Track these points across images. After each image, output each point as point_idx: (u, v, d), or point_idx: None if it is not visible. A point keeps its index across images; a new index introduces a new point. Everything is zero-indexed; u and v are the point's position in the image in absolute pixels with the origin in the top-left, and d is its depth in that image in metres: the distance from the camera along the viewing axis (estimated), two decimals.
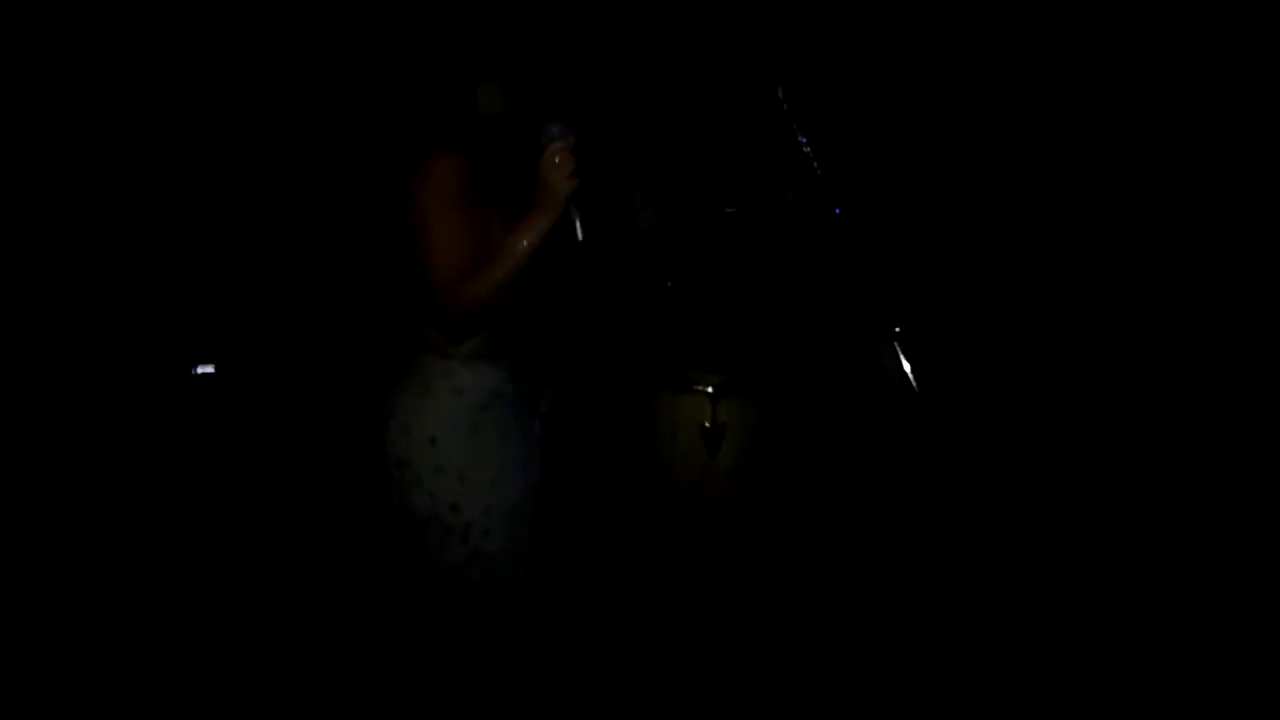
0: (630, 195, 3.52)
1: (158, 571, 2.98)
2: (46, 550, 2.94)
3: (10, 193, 3.06)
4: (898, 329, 2.61)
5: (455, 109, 2.10)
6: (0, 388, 3.04)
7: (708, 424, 2.98)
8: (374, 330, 2.99)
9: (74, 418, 3.12)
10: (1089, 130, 3.22)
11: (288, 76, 3.29)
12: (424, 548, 2.14)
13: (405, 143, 2.11)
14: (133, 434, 3.18)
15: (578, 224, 2.01)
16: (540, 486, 2.28)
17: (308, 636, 2.79)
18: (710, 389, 3.01)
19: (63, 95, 3.08)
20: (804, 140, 2.89)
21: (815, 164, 2.81)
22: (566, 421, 3.16)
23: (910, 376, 2.50)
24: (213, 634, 2.78)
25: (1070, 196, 3.23)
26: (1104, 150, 3.20)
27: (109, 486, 3.11)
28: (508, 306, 2.07)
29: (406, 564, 2.17)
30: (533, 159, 2.00)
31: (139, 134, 3.19)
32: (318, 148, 3.32)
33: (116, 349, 3.20)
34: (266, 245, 3.35)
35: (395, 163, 2.11)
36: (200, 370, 3.31)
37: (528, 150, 2.01)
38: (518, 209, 2.03)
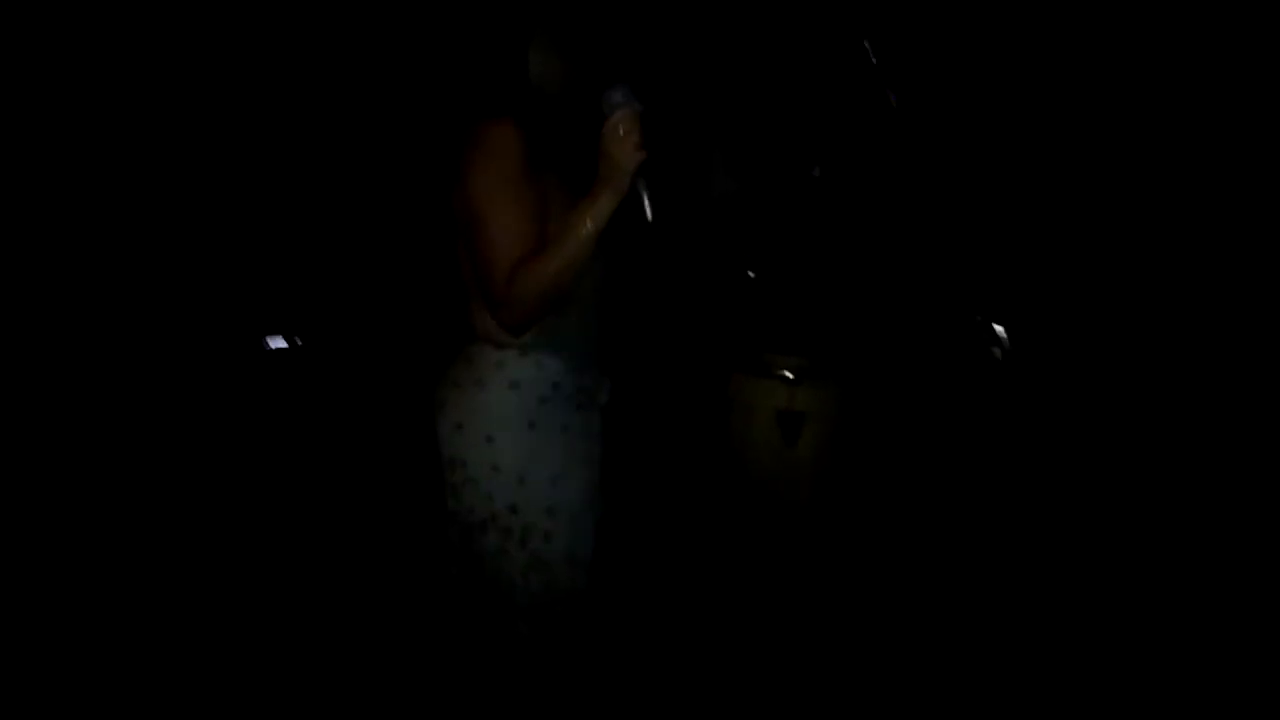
0: (709, 160, 3.30)
1: (184, 569, 2.88)
2: (66, 545, 2.88)
3: (17, 190, 2.97)
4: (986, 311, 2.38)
5: (506, 76, 1.89)
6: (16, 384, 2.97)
7: (785, 410, 2.77)
8: (423, 319, 2.82)
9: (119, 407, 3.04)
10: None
11: (330, 51, 3.11)
12: (480, 553, 1.98)
13: (455, 115, 1.92)
14: (167, 427, 3.10)
15: (646, 202, 1.79)
16: (601, 487, 2.10)
17: (348, 642, 2.67)
18: (789, 373, 2.79)
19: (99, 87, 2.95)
20: (894, 98, 2.65)
21: (905, 123, 2.57)
22: (634, 408, 2.99)
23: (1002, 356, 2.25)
24: (242, 636, 2.67)
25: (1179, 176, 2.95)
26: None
27: (138, 480, 3.03)
28: (570, 293, 1.88)
29: (461, 571, 2.02)
30: (595, 130, 1.79)
31: (159, 124, 3.06)
32: (359, 124, 3.15)
33: (155, 336, 3.11)
34: (311, 228, 3.21)
35: (444, 138, 1.91)
36: (273, 344, 3.20)
37: (590, 120, 1.80)
38: (581, 186, 1.83)
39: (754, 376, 2.83)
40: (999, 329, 2.30)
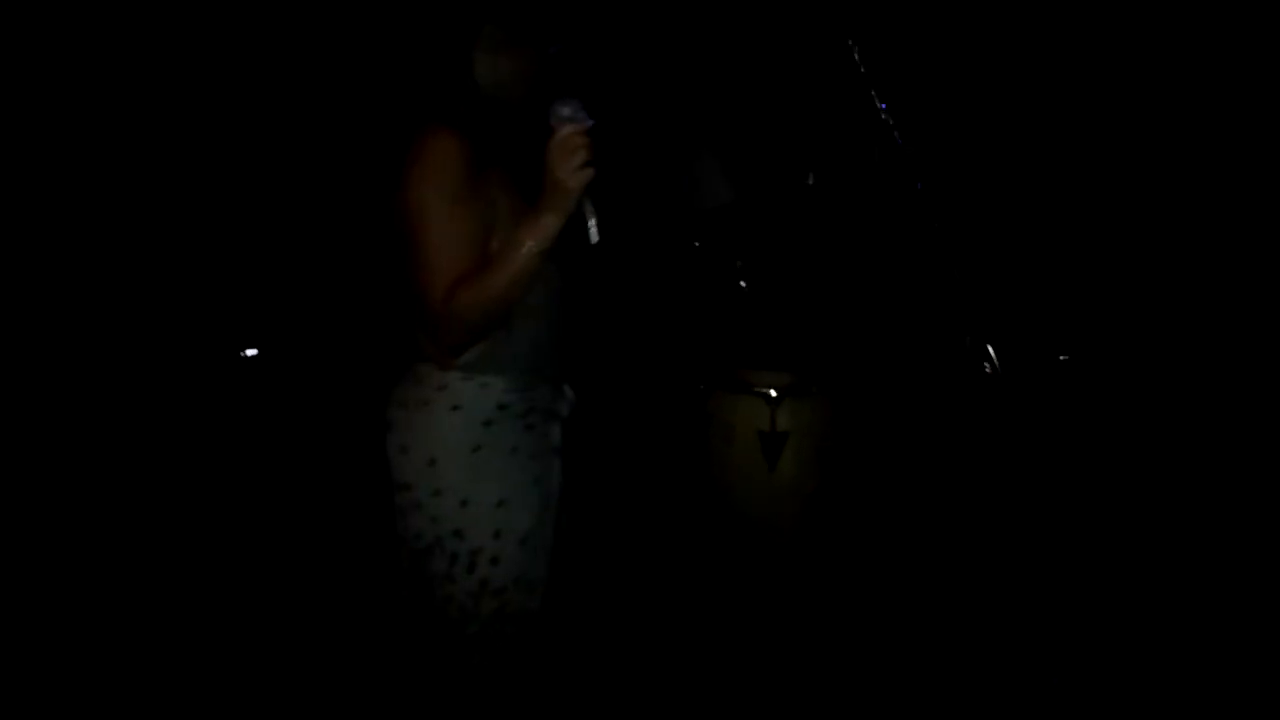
0: (697, 167, 3.18)
1: (154, 583, 2.77)
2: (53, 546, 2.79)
3: (9, 192, 2.88)
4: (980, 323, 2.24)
5: (449, 78, 1.78)
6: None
7: (767, 431, 2.63)
8: (377, 335, 2.70)
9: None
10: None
11: (271, 56, 3.01)
12: (429, 578, 1.89)
13: (396, 123, 1.81)
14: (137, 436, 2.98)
15: (592, 224, 1.69)
16: (562, 501, 1.99)
17: (302, 665, 2.54)
18: (771, 391, 2.66)
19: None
20: (884, 106, 2.53)
21: (896, 133, 2.45)
22: (608, 426, 2.87)
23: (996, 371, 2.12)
24: (208, 649, 2.55)
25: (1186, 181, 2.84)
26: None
27: (108, 490, 2.91)
28: (517, 312, 1.79)
29: (412, 595, 1.92)
30: (547, 135, 1.69)
31: (124, 127, 2.96)
32: (305, 132, 3.04)
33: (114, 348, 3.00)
34: (262, 240, 3.10)
35: (387, 146, 1.80)
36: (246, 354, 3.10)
37: (540, 131, 1.70)
38: (534, 193, 1.72)
39: (734, 394, 2.69)
40: (989, 348, 2.16)
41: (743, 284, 2.96)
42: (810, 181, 3.10)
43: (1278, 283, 2.82)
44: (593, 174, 1.67)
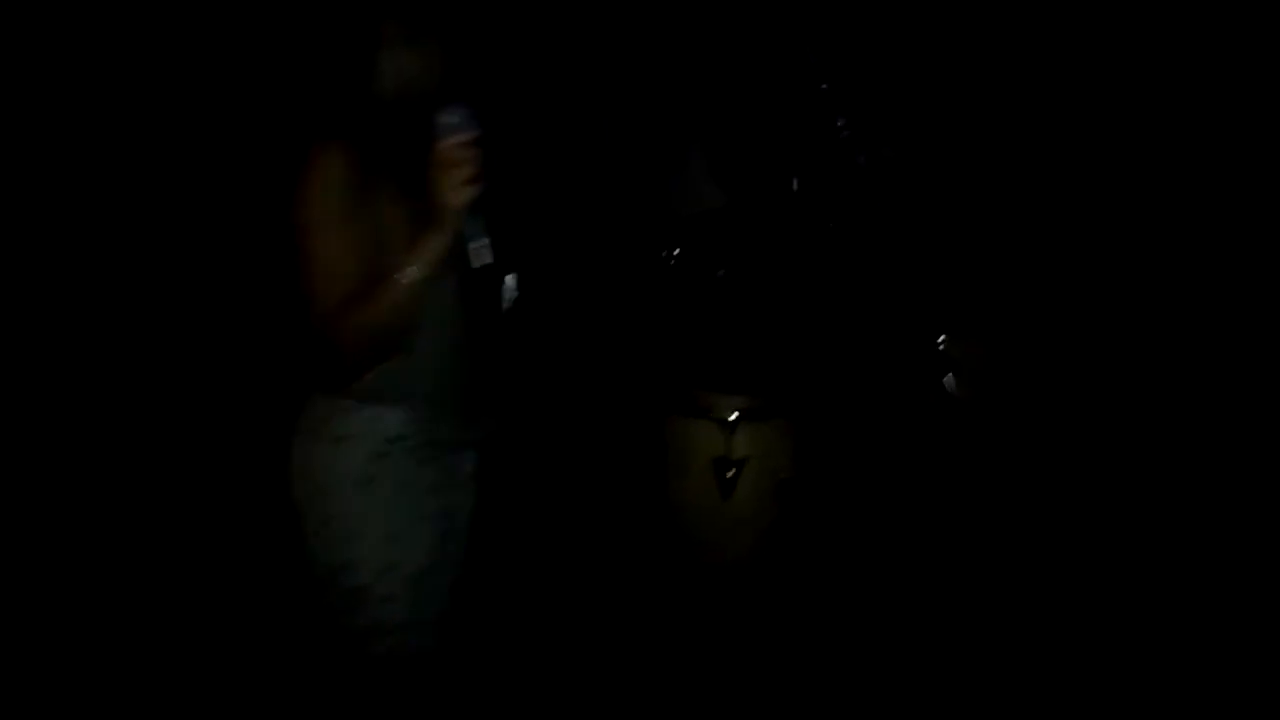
0: (686, 169, 3.05)
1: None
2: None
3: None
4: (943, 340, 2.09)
5: (345, 89, 1.65)
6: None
7: (721, 458, 2.46)
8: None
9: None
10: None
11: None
12: (327, 609, 1.79)
13: (296, 133, 1.69)
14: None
15: (477, 245, 1.55)
16: (468, 534, 1.89)
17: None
18: (728, 414, 2.49)
19: None
20: (841, 123, 2.41)
21: (855, 150, 2.33)
22: (558, 452, 2.74)
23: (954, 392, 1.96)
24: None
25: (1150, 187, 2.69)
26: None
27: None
28: (413, 340, 1.67)
29: (316, 626, 1.81)
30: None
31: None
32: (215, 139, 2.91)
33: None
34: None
35: (285, 159, 1.68)
36: None
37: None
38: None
39: (689, 418, 2.52)
40: (949, 379, 2.01)
41: (724, 295, 2.81)
42: (794, 188, 2.94)
43: (1252, 284, 2.67)
44: (478, 190, 1.54)
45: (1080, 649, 2.38)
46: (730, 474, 2.45)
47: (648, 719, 2.39)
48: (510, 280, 1.72)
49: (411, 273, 1.56)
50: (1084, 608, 2.44)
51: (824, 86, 2.41)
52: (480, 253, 1.55)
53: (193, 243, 3.00)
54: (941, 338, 2.44)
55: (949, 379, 2.00)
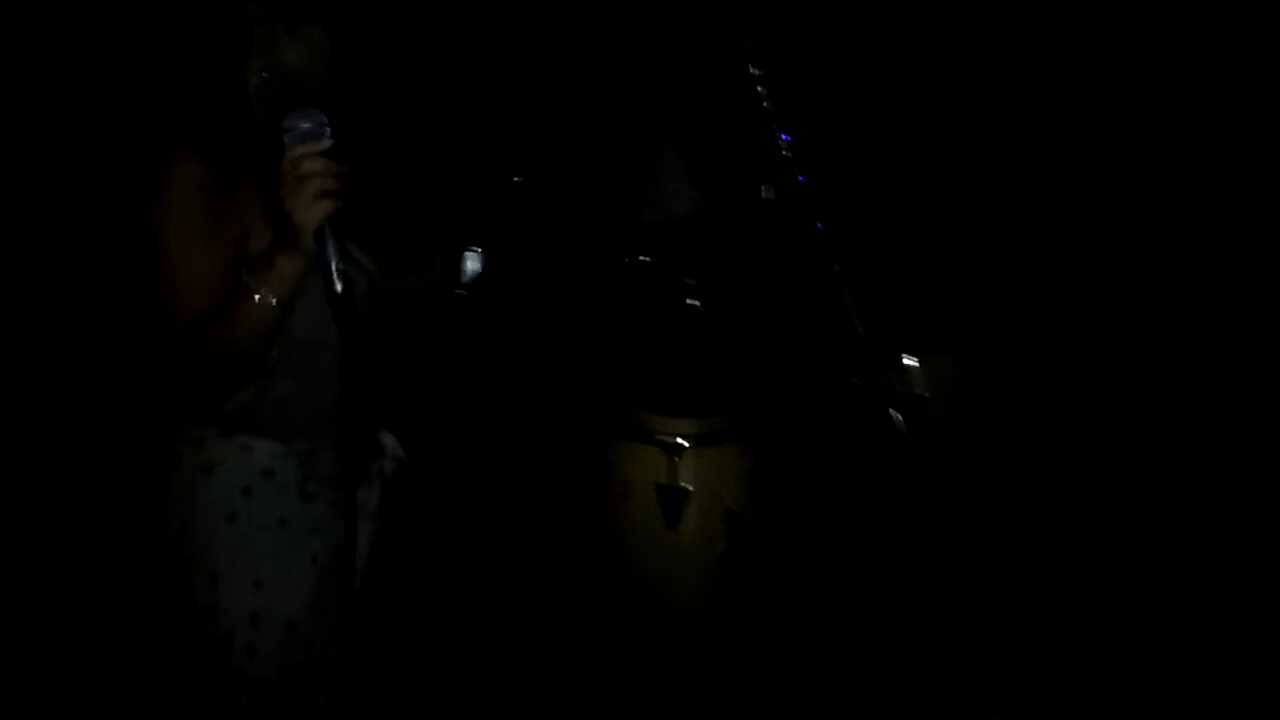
0: (662, 171, 2.89)
1: None
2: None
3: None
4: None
5: (204, 89, 1.48)
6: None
7: (666, 485, 2.28)
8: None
9: None
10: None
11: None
12: (197, 650, 1.60)
13: (152, 132, 1.53)
14: None
15: (333, 267, 1.35)
16: (372, 574, 1.67)
17: None
18: (677, 439, 2.30)
19: None
20: (786, 138, 2.24)
21: (796, 168, 2.16)
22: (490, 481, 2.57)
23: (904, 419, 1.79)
24: None
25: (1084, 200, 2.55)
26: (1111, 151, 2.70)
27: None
28: (282, 367, 1.51)
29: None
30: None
31: None
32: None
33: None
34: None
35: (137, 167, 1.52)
36: None
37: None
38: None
39: (633, 443, 2.34)
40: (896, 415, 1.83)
41: (695, 304, 2.63)
42: (765, 195, 2.79)
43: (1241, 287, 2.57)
44: (332, 206, 1.35)
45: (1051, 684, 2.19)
46: (675, 503, 2.27)
47: None
48: (471, 257, 1.51)
49: (264, 294, 1.38)
50: (1053, 643, 2.26)
51: (755, 72, 2.22)
52: (341, 277, 1.36)
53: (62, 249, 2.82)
54: (907, 358, 2.26)
55: (898, 417, 1.82)
